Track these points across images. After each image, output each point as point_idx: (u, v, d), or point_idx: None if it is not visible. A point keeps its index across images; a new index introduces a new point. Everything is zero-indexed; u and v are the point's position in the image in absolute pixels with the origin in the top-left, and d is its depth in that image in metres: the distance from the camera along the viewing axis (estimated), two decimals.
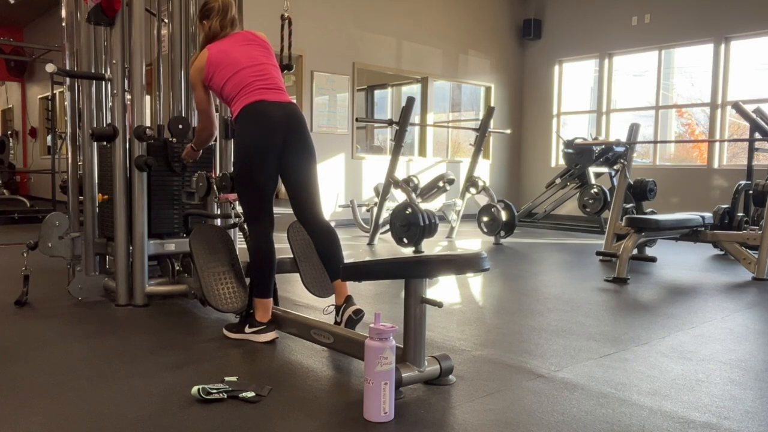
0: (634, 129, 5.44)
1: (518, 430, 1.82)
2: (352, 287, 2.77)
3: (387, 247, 6.10)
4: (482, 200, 6.95)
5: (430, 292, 2.13)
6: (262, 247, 2.73)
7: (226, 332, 2.77)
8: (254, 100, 2.67)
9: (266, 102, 2.68)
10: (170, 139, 3.44)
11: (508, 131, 8.64)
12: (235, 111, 2.72)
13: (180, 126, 3.44)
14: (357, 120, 7.62)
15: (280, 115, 2.68)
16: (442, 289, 4.04)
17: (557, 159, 10.33)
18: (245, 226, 3.00)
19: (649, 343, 2.77)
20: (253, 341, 2.68)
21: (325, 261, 2.77)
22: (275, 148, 2.66)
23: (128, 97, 3.36)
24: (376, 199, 6.49)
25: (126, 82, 3.36)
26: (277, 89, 2.74)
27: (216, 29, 2.83)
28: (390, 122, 6.60)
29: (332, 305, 2.77)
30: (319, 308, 3.16)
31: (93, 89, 3.57)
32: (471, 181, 6.83)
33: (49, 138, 10.58)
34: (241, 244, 3.20)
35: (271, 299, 2.76)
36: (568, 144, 8.19)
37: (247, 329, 2.71)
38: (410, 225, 5.64)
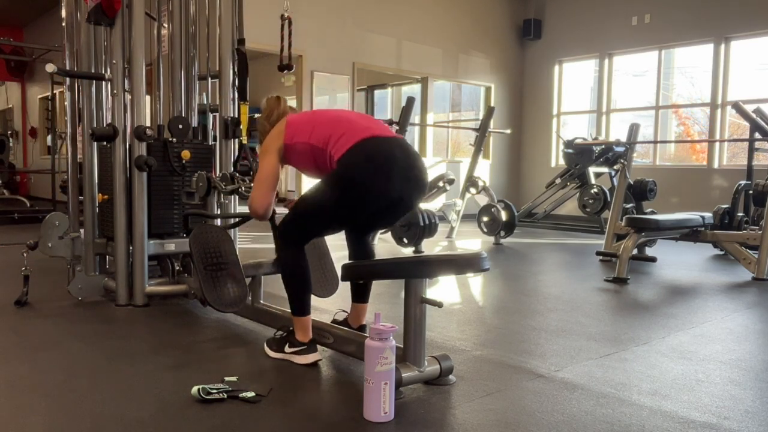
0: (634, 129, 5.44)
1: (518, 430, 1.82)
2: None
3: (387, 247, 6.10)
4: (482, 200, 6.95)
5: (430, 292, 2.13)
6: (298, 265, 2.46)
7: (266, 349, 2.56)
8: (368, 136, 2.29)
9: (382, 138, 2.31)
10: (170, 139, 3.44)
11: (508, 131, 8.64)
12: (340, 149, 2.28)
13: (180, 126, 3.44)
14: None
15: (405, 165, 2.30)
16: (442, 289, 4.04)
17: (557, 159, 10.33)
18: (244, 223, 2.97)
19: (649, 343, 2.77)
20: (294, 363, 2.43)
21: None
22: (388, 200, 2.31)
23: (128, 97, 3.36)
24: None
25: (126, 82, 3.36)
26: (381, 124, 2.43)
27: (281, 111, 2.61)
28: (390, 122, 6.59)
29: (343, 311, 2.76)
30: (319, 308, 3.16)
31: (93, 89, 3.58)
32: (471, 181, 6.83)
33: (49, 138, 10.59)
34: (241, 244, 3.20)
35: (310, 316, 2.46)
36: (568, 144, 8.19)
37: (287, 348, 2.46)
38: (410, 225, 5.64)
